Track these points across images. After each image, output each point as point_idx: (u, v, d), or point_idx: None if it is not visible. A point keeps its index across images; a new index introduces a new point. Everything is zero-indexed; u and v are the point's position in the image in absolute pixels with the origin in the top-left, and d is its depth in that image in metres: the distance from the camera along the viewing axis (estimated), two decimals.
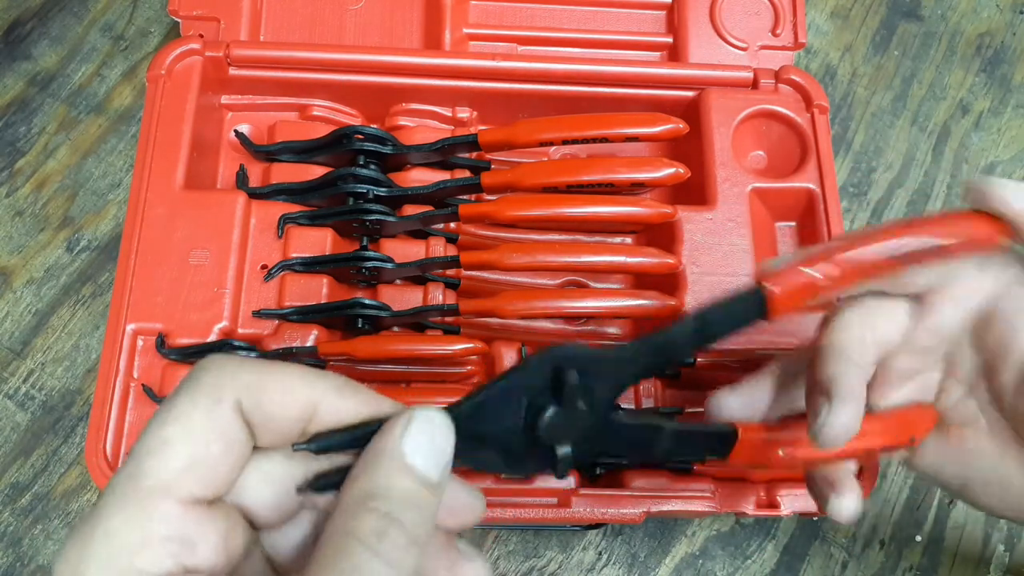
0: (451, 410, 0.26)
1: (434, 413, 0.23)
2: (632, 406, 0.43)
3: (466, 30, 0.52)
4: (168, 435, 0.21)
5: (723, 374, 0.43)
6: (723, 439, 0.32)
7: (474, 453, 0.27)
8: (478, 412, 0.26)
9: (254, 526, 0.23)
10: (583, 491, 0.41)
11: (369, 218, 0.44)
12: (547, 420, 0.27)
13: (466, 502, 0.25)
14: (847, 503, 0.34)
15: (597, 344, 0.47)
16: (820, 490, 0.35)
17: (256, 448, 0.23)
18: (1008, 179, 0.31)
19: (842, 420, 0.30)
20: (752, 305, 0.30)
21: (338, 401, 0.23)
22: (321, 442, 0.23)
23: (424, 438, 0.22)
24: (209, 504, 0.21)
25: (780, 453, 0.33)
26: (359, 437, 0.23)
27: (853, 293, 0.33)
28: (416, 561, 0.21)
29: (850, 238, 0.31)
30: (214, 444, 0.21)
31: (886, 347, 0.33)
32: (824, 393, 0.31)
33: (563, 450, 0.27)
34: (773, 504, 0.42)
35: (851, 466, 0.35)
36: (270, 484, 0.23)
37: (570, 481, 0.42)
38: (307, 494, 0.24)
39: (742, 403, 0.35)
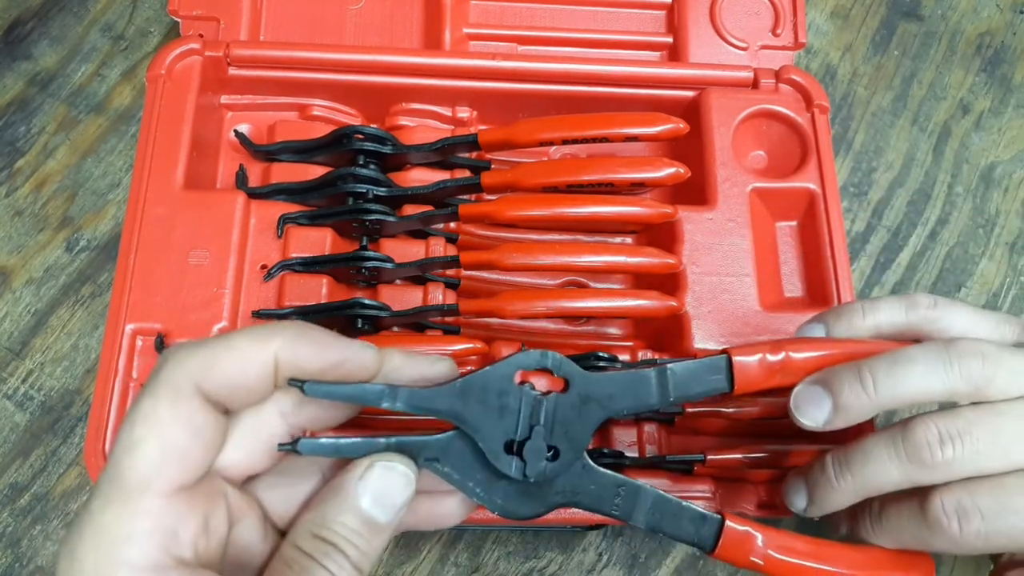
0: (438, 389, 0.28)
1: (396, 463, 0.25)
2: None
3: (466, 30, 0.52)
4: (138, 434, 0.22)
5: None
6: (705, 523, 0.31)
7: (455, 464, 0.28)
8: (463, 393, 0.28)
9: (241, 488, 0.26)
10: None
11: (369, 218, 0.44)
12: (527, 446, 0.28)
13: (449, 507, 0.28)
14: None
15: (600, 345, 0.47)
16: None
17: (231, 413, 0.25)
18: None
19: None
20: (720, 375, 0.31)
21: (294, 352, 0.24)
22: (305, 446, 0.25)
23: (380, 484, 0.25)
24: (192, 488, 0.23)
25: (774, 556, 0.32)
26: (343, 448, 0.26)
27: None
28: None
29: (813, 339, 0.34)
30: (181, 434, 0.23)
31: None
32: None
33: (535, 440, 0.28)
34: (774, 504, 0.42)
35: None
36: (250, 441, 0.25)
37: None
38: (287, 452, 0.26)
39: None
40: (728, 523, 0.31)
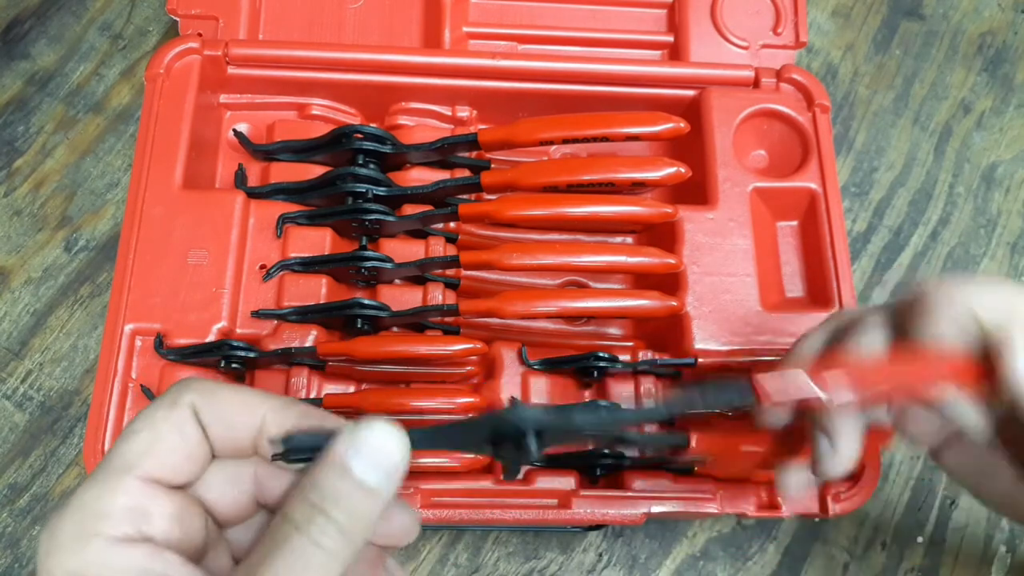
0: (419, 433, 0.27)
1: (383, 424, 0.25)
2: (632, 406, 0.43)
3: (466, 29, 0.52)
4: (135, 427, 0.25)
5: (723, 374, 0.43)
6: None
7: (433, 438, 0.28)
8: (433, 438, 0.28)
9: (217, 523, 0.27)
10: (583, 492, 0.41)
11: (368, 218, 0.44)
12: (505, 452, 0.28)
13: (401, 523, 0.28)
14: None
15: (600, 345, 0.47)
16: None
17: (216, 458, 0.27)
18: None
19: (843, 465, 0.32)
20: (742, 391, 0.31)
21: (281, 416, 0.26)
22: (291, 441, 0.26)
23: (368, 447, 0.24)
24: (169, 488, 0.25)
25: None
26: (320, 443, 0.26)
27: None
28: (346, 553, 0.24)
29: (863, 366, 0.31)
30: (170, 434, 0.25)
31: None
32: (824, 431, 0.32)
33: (534, 448, 0.28)
34: (774, 505, 0.42)
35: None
36: (230, 485, 0.27)
37: (570, 482, 0.41)
38: (280, 462, 0.26)
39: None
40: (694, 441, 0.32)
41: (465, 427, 0.28)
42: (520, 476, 0.30)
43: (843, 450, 0.32)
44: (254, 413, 0.26)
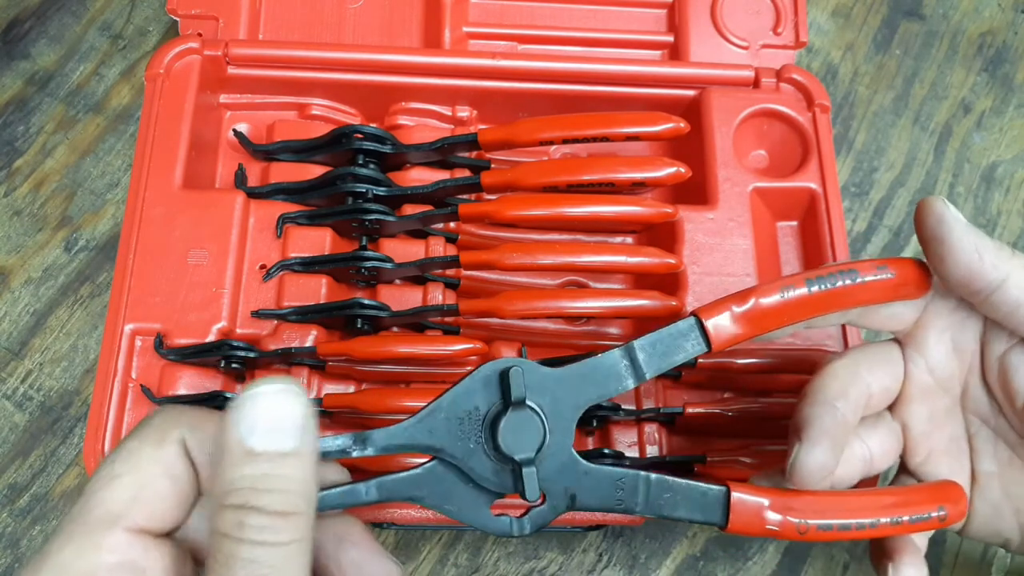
0: (404, 424, 0.28)
1: (267, 386, 0.22)
2: (632, 406, 0.43)
3: (466, 28, 0.52)
4: (117, 470, 0.22)
5: (723, 375, 0.43)
6: (711, 499, 0.30)
7: (440, 494, 0.28)
8: (433, 422, 0.28)
9: (199, 562, 0.25)
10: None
11: (368, 218, 0.44)
12: (503, 424, 0.27)
13: (379, 572, 0.26)
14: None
15: (600, 345, 0.47)
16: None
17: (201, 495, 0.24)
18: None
19: (813, 459, 0.30)
20: (694, 337, 0.30)
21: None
22: None
23: (260, 414, 0.22)
24: (157, 536, 0.22)
25: (792, 521, 0.30)
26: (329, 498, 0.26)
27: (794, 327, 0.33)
28: (299, 534, 0.21)
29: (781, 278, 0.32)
30: (160, 478, 0.22)
31: (882, 394, 0.33)
32: (796, 433, 0.31)
33: (528, 468, 0.27)
34: None
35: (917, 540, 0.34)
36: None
37: None
38: None
39: (827, 452, 0.32)
40: (735, 494, 0.30)
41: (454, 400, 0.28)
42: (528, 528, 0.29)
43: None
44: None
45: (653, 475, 0.30)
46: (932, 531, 0.32)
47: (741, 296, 0.31)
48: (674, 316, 0.43)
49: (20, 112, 0.53)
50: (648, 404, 0.43)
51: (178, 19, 0.48)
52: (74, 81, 0.54)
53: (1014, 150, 0.59)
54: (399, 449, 0.27)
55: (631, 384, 0.30)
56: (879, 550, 0.33)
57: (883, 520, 0.30)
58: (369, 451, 0.27)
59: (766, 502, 0.30)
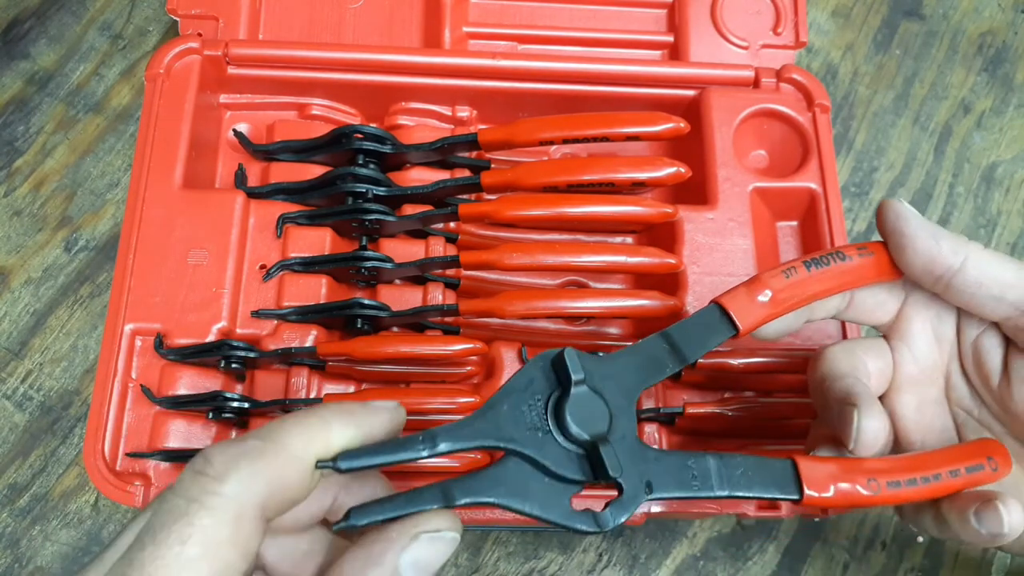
0: (470, 420, 0.27)
1: (443, 531, 0.24)
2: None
3: (466, 29, 0.52)
4: (191, 554, 0.20)
5: (723, 375, 0.43)
6: (780, 472, 0.30)
7: (520, 492, 0.27)
8: (497, 415, 0.27)
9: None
10: (584, 492, 0.41)
11: (368, 218, 0.44)
12: (568, 406, 0.27)
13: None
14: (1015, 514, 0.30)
15: (600, 345, 0.47)
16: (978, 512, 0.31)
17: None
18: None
19: (875, 422, 0.31)
20: (720, 322, 0.32)
21: (353, 495, 0.25)
22: (358, 518, 0.24)
23: (423, 553, 0.23)
24: None
25: (865, 483, 0.30)
26: (397, 511, 0.25)
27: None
28: None
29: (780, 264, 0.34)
30: (236, 559, 0.21)
31: (877, 377, 0.34)
32: (848, 404, 0.31)
33: (604, 444, 0.27)
34: (774, 505, 0.42)
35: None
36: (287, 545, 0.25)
37: None
38: (341, 528, 0.25)
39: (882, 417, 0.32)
40: (803, 464, 0.30)
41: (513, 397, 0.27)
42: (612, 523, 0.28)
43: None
44: (326, 497, 0.24)
45: (720, 454, 0.30)
46: (988, 484, 0.32)
47: (749, 281, 0.33)
48: (674, 316, 0.43)
49: (20, 112, 0.53)
50: (648, 404, 0.43)
51: (178, 19, 0.48)
52: (74, 81, 0.54)
53: (1014, 150, 0.59)
54: (469, 447, 0.26)
55: (675, 368, 0.31)
56: (957, 507, 0.32)
57: (943, 473, 0.31)
58: (441, 448, 0.26)
59: (834, 470, 0.30)
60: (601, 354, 0.30)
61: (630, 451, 0.28)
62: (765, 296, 0.32)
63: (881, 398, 0.35)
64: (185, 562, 0.20)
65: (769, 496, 0.30)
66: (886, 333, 0.35)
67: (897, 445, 0.35)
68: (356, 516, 0.24)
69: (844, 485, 0.30)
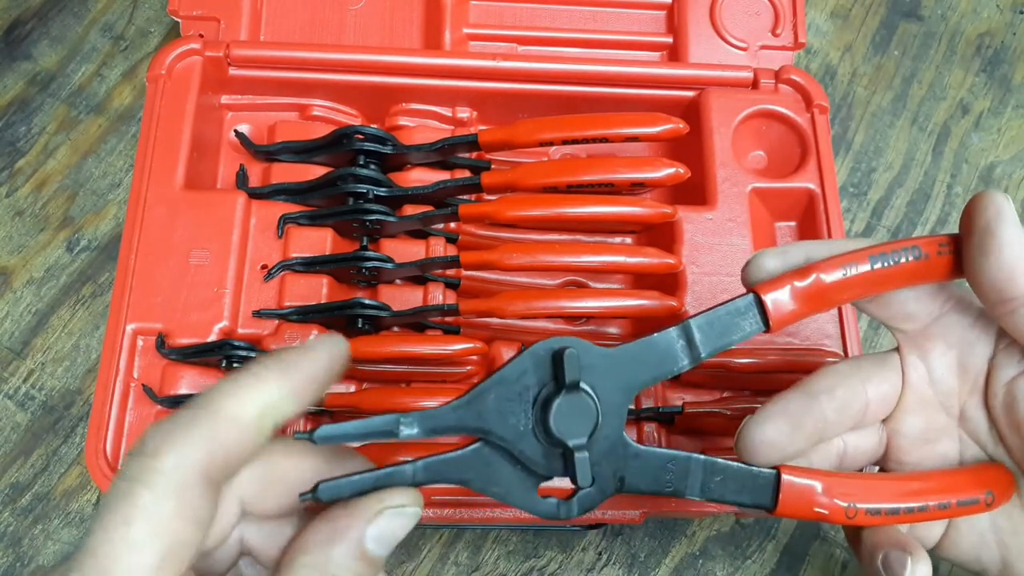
0: (452, 406, 0.27)
1: (407, 507, 0.25)
2: (632, 405, 0.43)
3: (466, 30, 0.52)
4: (136, 535, 0.20)
5: (723, 374, 0.43)
6: (762, 482, 0.29)
7: (488, 476, 0.27)
8: (482, 404, 0.27)
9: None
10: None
11: (369, 218, 0.44)
12: (555, 407, 0.27)
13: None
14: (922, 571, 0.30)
15: (599, 345, 0.47)
16: (886, 557, 0.31)
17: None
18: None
19: (764, 431, 0.29)
20: (752, 315, 0.29)
21: (285, 385, 0.24)
22: (326, 491, 0.25)
23: (388, 525, 0.24)
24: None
25: (840, 504, 0.29)
26: (365, 487, 0.25)
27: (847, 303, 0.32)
28: None
29: (838, 254, 0.30)
30: (186, 529, 0.21)
31: (880, 403, 0.32)
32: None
33: (579, 451, 0.27)
34: None
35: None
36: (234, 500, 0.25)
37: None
38: (309, 501, 0.25)
39: (780, 431, 0.30)
40: (785, 477, 0.29)
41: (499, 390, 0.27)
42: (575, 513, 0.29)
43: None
44: (257, 424, 0.23)
45: (704, 457, 0.29)
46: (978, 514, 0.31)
47: (802, 273, 0.29)
48: (673, 316, 0.44)
49: (22, 113, 0.54)
50: (647, 403, 0.43)
51: (179, 20, 0.49)
52: (76, 82, 0.55)
53: (1012, 150, 0.59)
54: (447, 431, 0.26)
55: (687, 364, 0.29)
56: (871, 543, 0.32)
57: (931, 504, 0.30)
58: (416, 431, 0.26)
59: (816, 485, 0.29)
60: (607, 348, 0.29)
61: (610, 448, 0.28)
62: (812, 290, 0.29)
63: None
64: (133, 543, 0.20)
65: (741, 503, 0.29)
66: (904, 343, 0.32)
67: (889, 460, 0.33)
68: (324, 491, 0.25)
69: (823, 501, 0.29)
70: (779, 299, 0.29)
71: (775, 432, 0.29)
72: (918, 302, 0.31)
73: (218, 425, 0.22)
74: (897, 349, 0.33)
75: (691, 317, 0.29)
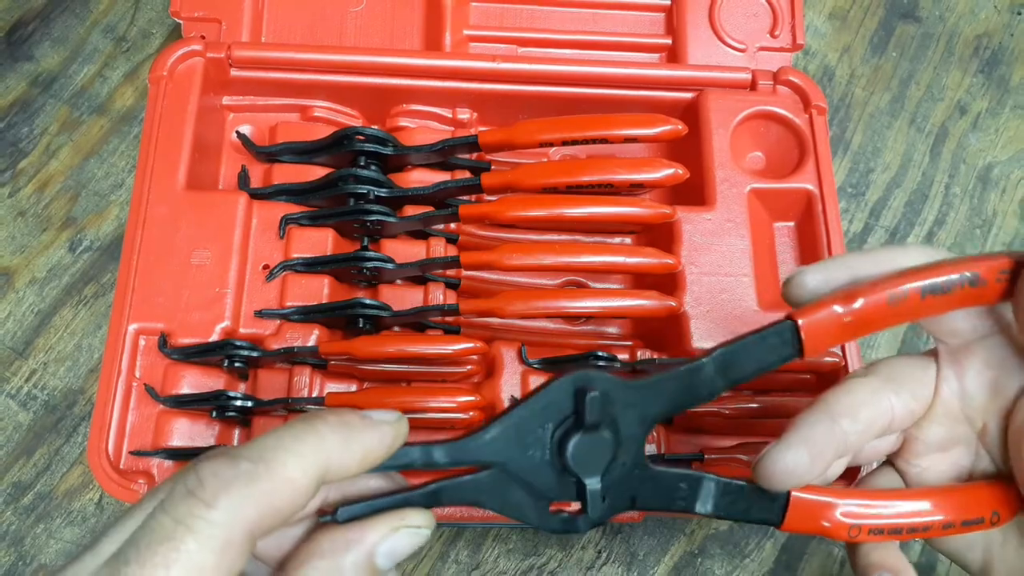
0: (472, 439, 0.27)
1: (422, 528, 0.25)
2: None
3: (466, 31, 0.52)
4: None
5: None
6: (772, 498, 0.29)
7: (502, 498, 0.28)
8: (502, 439, 0.27)
9: None
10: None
11: (370, 218, 0.45)
12: (572, 445, 0.27)
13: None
14: None
15: (599, 345, 0.48)
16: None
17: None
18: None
19: (784, 460, 0.28)
20: (785, 342, 0.28)
21: (335, 466, 0.24)
22: (344, 515, 0.25)
23: (399, 544, 0.24)
24: None
25: (846, 522, 0.29)
26: (381, 506, 0.26)
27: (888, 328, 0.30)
28: None
29: (885, 277, 0.28)
30: None
31: (905, 416, 0.31)
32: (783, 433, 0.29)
33: (592, 484, 0.27)
34: None
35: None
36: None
37: None
38: (327, 520, 0.26)
39: (801, 461, 0.29)
40: (794, 493, 0.29)
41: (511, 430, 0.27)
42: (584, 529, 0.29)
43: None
44: (311, 487, 0.23)
45: (717, 478, 0.29)
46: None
47: (845, 297, 0.28)
48: (672, 316, 0.44)
49: (24, 113, 0.54)
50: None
51: (181, 22, 0.49)
52: (78, 83, 0.55)
53: (1010, 151, 0.59)
54: (466, 463, 0.27)
55: (715, 392, 0.29)
56: (866, 562, 0.32)
57: (935, 526, 0.30)
58: (437, 463, 0.27)
59: (824, 501, 0.29)
60: (635, 381, 0.28)
61: (626, 473, 0.28)
62: (854, 319, 0.27)
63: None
64: None
65: (749, 519, 0.29)
66: (943, 354, 0.31)
67: (901, 458, 0.33)
68: (342, 515, 0.25)
69: (826, 523, 0.29)
70: (817, 327, 0.28)
71: (796, 461, 0.29)
72: (967, 320, 0.30)
73: (275, 485, 0.22)
74: (934, 357, 0.32)
75: (722, 346, 0.28)
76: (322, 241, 0.45)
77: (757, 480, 0.29)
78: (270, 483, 0.22)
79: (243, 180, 0.48)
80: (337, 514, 0.25)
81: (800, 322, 0.28)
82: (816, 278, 0.29)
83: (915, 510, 0.30)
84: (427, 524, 0.26)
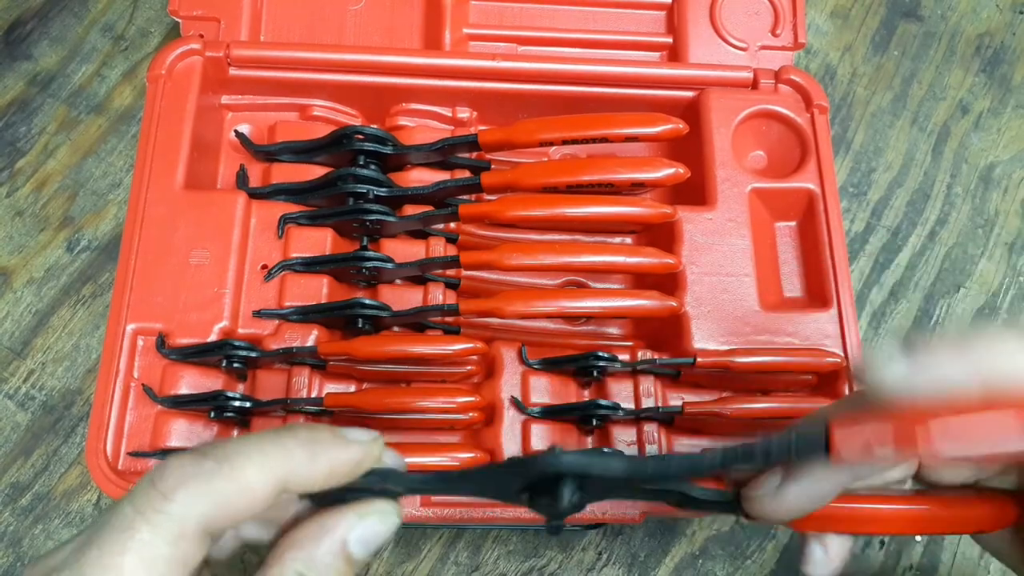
0: (443, 476, 0.27)
1: (392, 515, 0.26)
2: (632, 405, 0.43)
3: (466, 30, 0.52)
4: (129, 569, 0.21)
5: (722, 374, 0.44)
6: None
7: (482, 489, 0.28)
8: (471, 481, 0.27)
9: None
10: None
11: (369, 218, 0.44)
12: (543, 500, 0.27)
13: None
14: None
15: (599, 345, 0.47)
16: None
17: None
18: None
19: (787, 498, 0.28)
20: (812, 445, 0.25)
21: (296, 475, 0.24)
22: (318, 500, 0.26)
23: (372, 530, 0.25)
24: None
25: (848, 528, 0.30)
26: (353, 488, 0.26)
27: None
28: None
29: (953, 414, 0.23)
30: (177, 572, 0.22)
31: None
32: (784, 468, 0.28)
33: (570, 496, 0.27)
34: None
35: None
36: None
37: None
38: (307, 502, 0.26)
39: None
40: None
41: (495, 474, 0.27)
42: (561, 530, 0.30)
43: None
44: (269, 492, 0.23)
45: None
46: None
47: (901, 423, 0.23)
48: (673, 316, 0.44)
49: (22, 113, 0.54)
50: (647, 403, 0.43)
51: (179, 20, 0.49)
52: (76, 82, 0.55)
53: (1012, 150, 0.59)
54: (440, 491, 0.28)
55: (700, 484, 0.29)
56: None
57: (935, 529, 0.30)
58: (409, 488, 0.27)
59: (832, 509, 0.29)
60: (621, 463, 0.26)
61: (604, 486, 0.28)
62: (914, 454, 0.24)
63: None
64: (120, 571, 0.21)
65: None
66: None
67: (925, 472, 0.32)
68: (321, 499, 0.26)
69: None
70: (855, 445, 0.24)
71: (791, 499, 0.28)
72: None
73: (232, 487, 0.23)
74: None
75: (737, 446, 0.26)
76: (321, 241, 0.45)
77: (754, 508, 0.29)
78: (228, 484, 0.23)
79: (242, 179, 0.48)
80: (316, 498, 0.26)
81: (836, 438, 0.24)
82: (900, 370, 0.24)
83: (922, 515, 0.30)
84: (392, 511, 0.26)
